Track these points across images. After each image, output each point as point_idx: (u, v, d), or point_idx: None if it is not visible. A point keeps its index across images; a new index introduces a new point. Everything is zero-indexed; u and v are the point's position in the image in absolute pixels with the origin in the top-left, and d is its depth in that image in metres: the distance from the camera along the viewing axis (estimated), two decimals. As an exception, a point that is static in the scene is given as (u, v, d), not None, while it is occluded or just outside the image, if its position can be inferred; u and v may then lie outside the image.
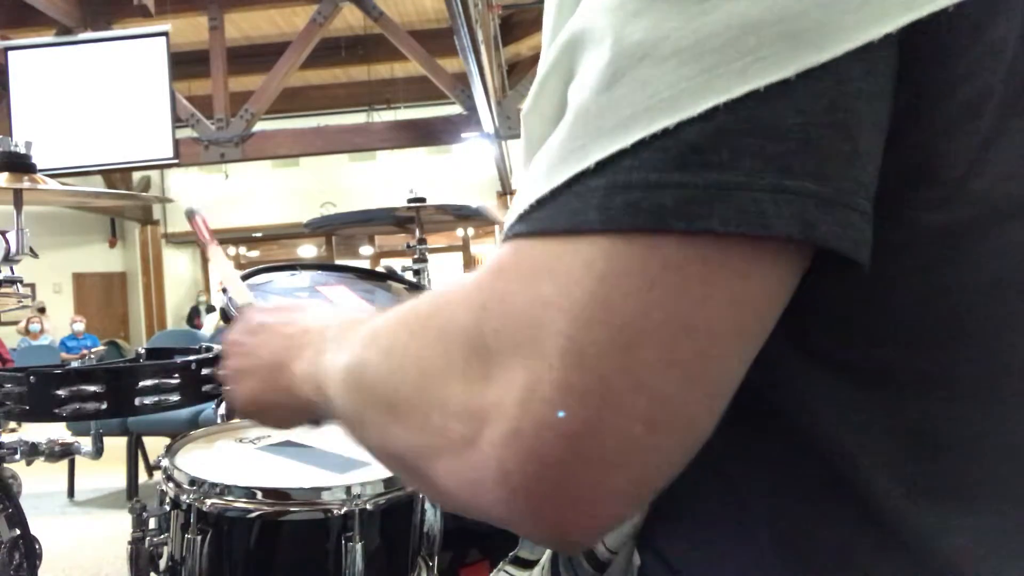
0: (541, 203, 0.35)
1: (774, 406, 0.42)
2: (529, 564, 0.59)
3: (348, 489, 1.10)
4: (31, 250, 1.53)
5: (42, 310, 9.20)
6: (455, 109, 7.76)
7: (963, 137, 0.36)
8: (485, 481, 0.34)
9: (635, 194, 0.32)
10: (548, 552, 0.57)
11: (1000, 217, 0.38)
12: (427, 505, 1.20)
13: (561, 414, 0.32)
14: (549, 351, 0.32)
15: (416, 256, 2.46)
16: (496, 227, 9.15)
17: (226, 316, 1.35)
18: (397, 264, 2.10)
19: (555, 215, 0.34)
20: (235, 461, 1.26)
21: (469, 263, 12.23)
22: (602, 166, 0.33)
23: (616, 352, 0.32)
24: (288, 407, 0.57)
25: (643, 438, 0.32)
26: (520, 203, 0.36)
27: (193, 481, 1.13)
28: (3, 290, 1.50)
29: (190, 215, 0.89)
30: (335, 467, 1.21)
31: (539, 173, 0.36)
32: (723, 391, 0.35)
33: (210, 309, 11.98)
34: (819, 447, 0.41)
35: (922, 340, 0.39)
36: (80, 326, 9.07)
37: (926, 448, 0.40)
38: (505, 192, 10.52)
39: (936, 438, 0.40)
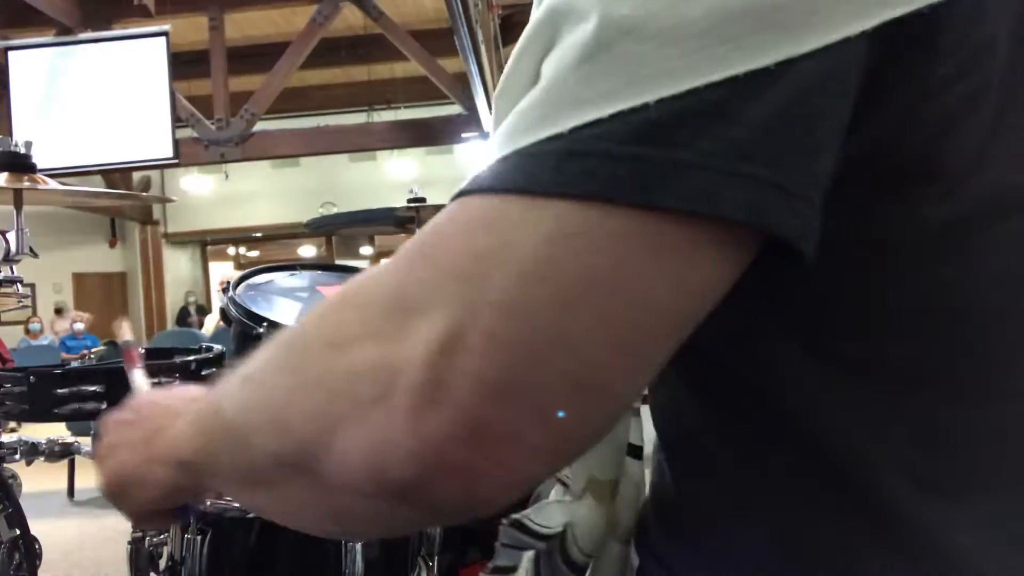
0: (496, 164, 0.35)
1: (778, 407, 0.41)
2: (508, 571, 0.59)
3: (348, 489, 1.09)
4: (31, 250, 1.53)
5: (59, 311, 9.25)
6: (455, 109, 7.76)
7: (962, 133, 0.37)
8: (395, 438, 0.32)
9: (592, 162, 0.32)
10: (530, 555, 0.57)
11: (1003, 210, 0.38)
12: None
13: (485, 365, 0.31)
14: (479, 301, 0.32)
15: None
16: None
17: (226, 317, 1.35)
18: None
19: (506, 174, 0.34)
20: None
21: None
22: (574, 132, 0.33)
23: (552, 310, 0.32)
24: (156, 483, 0.51)
25: (566, 398, 0.32)
26: (481, 166, 0.36)
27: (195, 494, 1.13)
28: (3, 290, 1.50)
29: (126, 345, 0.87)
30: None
31: (503, 137, 0.36)
32: (647, 366, 0.35)
33: (200, 310, 11.99)
34: (825, 447, 0.41)
35: (929, 334, 0.39)
36: (80, 326, 9.08)
37: (936, 444, 0.40)
38: (505, 192, 10.49)
39: (945, 433, 0.40)
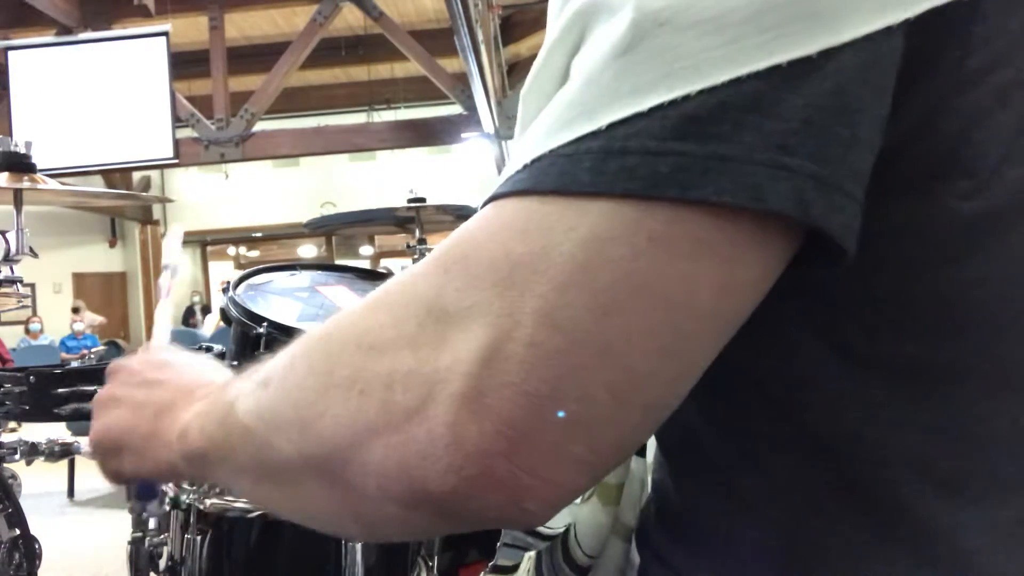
0: (530, 165, 0.34)
1: (787, 404, 0.41)
2: (509, 570, 0.59)
3: (348, 489, 1.09)
4: (31, 250, 1.53)
5: (76, 310, 9.28)
6: (455, 109, 7.76)
7: (994, 126, 0.36)
8: (434, 451, 0.31)
9: (632, 159, 0.32)
10: (531, 555, 0.57)
11: None
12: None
13: (526, 374, 0.30)
14: (518, 310, 0.31)
15: (416, 256, 2.46)
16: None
17: (226, 317, 1.35)
18: (397, 264, 2.09)
19: (541, 176, 0.33)
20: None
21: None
22: (612, 129, 0.32)
23: (591, 317, 0.31)
24: (155, 460, 0.50)
25: (607, 407, 0.31)
26: (511, 167, 0.36)
27: (193, 481, 1.13)
28: (3, 290, 1.50)
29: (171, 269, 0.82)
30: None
31: (536, 137, 0.35)
32: (691, 372, 0.34)
33: (205, 309, 11.98)
34: (841, 448, 0.40)
35: (955, 332, 0.39)
36: (80, 326, 9.07)
37: (958, 444, 0.39)
38: (505, 192, 10.48)
39: (964, 433, 0.39)
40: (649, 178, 0.31)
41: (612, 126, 0.32)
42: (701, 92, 0.31)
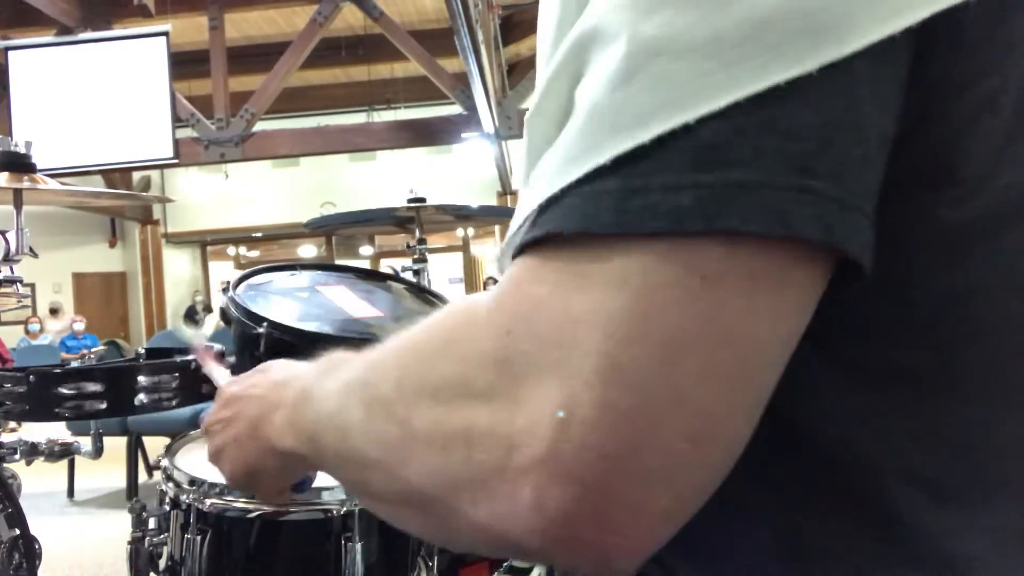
0: (548, 204, 0.34)
1: (782, 410, 0.40)
2: (524, 572, 0.59)
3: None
4: (31, 250, 1.53)
5: (54, 311, 9.28)
6: (455, 109, 7.77)
7: (982, 135, 0.36)
8: (518, 512, 0.32)
9: (653, 196, 0.31)
10: None
11: (1020, 215, 0.38)
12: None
13: (601, 434, 0.31)
14: (585, 370, 0.31)
15: (416, 256, 2.46)
16: (497, 228, 9.13)
17: (226, 317, 1.35)
18: (397, 264, 2.10)
19: (564, 217, 0.33)
20: (235, 461, 1.26)
21: (469, 264, 12.22)
22: (619, 164, 0.32)
23: (657, 367, 0.31)
24: (273, 468, 0.56)
25: (687, 454, 0.31)
26: (526, 206, 0.36)
27: (193, 481, 1.13)
28: (3, 290, 1.50)
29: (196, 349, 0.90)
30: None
31: (547, 174, 0.35)
32: (761, 400, 0.34)
33: (207, 308, 11.99)
34: (833, 453, 0.40)
35: (944, 340, 0.38)
36: (80, 326, 9.07)
37: (948, 451, 0.39)
38: (505, 192, 10.52)
39: (958, 440, 0.39)
40: (672, 213, 0.31)
41: (618, 161, 0.32)
42: (702, 119, 0.31)
